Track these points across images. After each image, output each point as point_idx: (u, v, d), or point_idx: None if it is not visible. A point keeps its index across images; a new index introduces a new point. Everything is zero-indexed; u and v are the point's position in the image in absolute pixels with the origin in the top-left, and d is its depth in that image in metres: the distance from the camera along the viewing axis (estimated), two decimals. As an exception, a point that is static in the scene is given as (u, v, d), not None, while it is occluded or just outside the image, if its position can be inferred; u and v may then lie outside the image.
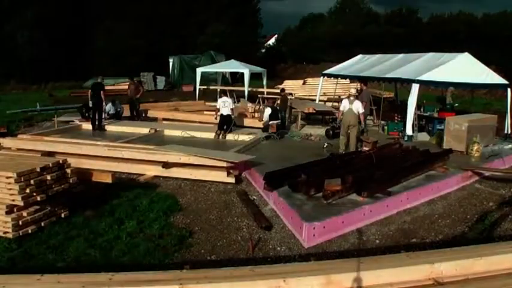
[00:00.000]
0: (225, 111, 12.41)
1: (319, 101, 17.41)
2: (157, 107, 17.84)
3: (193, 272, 3.92)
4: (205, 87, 22.83)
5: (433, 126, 12.54)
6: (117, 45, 31.98)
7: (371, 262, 4.13)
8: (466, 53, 12.40)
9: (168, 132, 13.03)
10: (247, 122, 14.35)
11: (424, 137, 12.11)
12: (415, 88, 11.56)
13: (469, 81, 12.16)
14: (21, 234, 5.84)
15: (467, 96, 21.14)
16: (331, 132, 12.02)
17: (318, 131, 12.94)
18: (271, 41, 55.54)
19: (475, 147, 9.52)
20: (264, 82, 22.98)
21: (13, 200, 5.78)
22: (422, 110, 13.36)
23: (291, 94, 18.60)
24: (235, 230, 6.38)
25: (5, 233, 5.82)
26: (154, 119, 15.45)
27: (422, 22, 48.00)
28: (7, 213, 5.81)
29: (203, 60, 32.29)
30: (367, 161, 8.20)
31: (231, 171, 8.56)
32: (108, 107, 14.56)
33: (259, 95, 18.51)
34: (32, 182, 5.87)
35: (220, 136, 12.19)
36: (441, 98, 15.91)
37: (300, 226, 5.91)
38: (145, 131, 12.87)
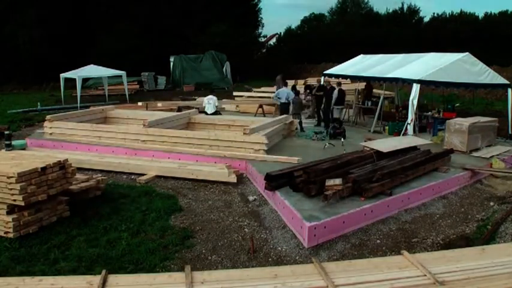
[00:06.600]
0: (210, 109, 12.34)
1: None
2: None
3: (194, 272, 3.92)
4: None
5: (434, 127, 12.52)
6: (118, 45, 31.97)
7: (372, 262, 4.13)
8: (467, 53, 12.39)
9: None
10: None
11: (425, 137, 12.08)
12: (416, 88, 11.55)
13: (470, 81, 12.13)
14: (22, 234, 5.85)
15: (468, 96, 21.12)
16: (331, 131, 12.00)
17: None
18: (272, 41, 55.47)
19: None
20: None
21: (14, 200, 5.78)
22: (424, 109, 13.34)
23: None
24: (236, 230, 6.39)
25: (6, 232, 5.84)
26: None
27: (423, 22, 47.97)
28: (8, 213, 5.84)
29: (204, 60, 32.31)
30: (368, 161, 8.18)
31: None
32: None
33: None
34: (33, 182, 5.88)
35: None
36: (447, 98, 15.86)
37: (301, 226, 5.91)
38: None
